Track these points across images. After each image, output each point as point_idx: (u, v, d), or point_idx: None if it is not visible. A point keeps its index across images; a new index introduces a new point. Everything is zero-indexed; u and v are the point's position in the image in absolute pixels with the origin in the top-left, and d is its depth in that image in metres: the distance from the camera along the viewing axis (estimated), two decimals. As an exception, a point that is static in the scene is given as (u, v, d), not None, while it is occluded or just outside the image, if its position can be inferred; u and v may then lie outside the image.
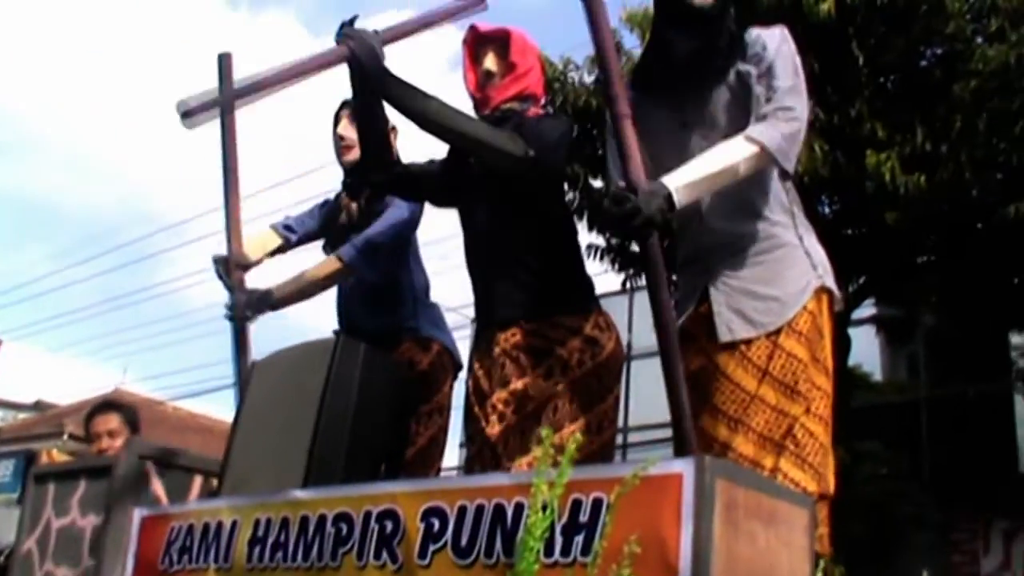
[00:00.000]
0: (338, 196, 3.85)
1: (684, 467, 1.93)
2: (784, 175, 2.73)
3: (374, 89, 2.83)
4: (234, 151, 3.39)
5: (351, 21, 2.81)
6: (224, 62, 3.29)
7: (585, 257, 10.66)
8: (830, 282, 2.80)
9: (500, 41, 3.08)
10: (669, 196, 2.43)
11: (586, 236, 12.10)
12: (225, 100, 3.07)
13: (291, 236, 3.84)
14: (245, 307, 3.40)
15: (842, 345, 11.69)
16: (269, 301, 3.48)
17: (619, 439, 18.42)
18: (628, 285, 12.75)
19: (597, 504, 1.99)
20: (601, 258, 12.20)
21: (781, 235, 2.77)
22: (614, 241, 12.13)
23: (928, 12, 10.56)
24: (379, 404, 2.88)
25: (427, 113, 2.74)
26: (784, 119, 2.64)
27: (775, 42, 2.78)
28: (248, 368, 3.20)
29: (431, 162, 3.25)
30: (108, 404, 4.80)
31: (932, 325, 14.31)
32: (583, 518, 2.01)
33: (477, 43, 3.12)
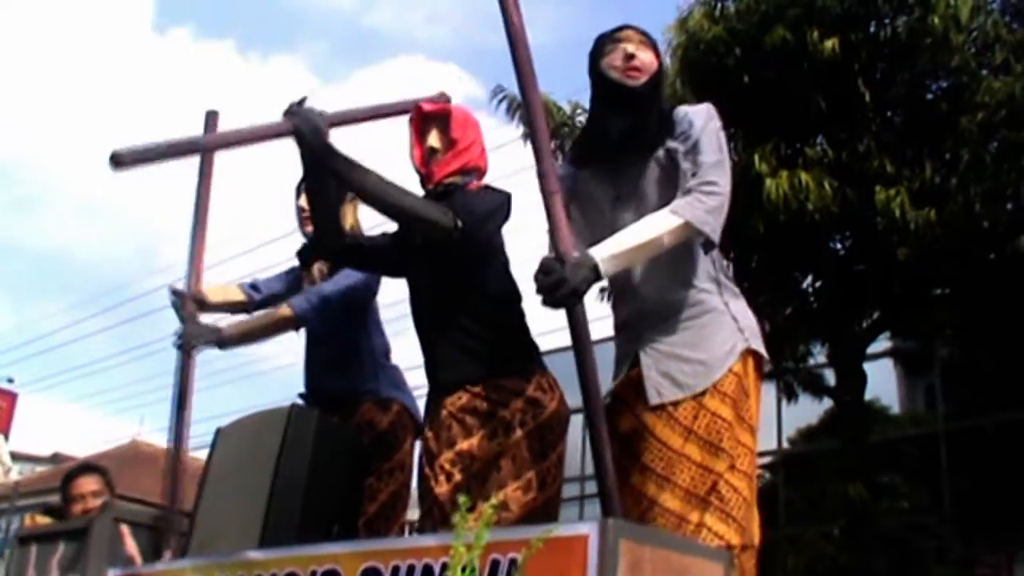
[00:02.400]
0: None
1: (590, 529, 2.04)
2: (709, 245, 2.82)
3: (318, 163, 2.99)
4: (207, 196, 3.63)
5: (300, 101, 2.98)
6: (210, 119, 3.61)
7: (597, 299, 10.73)
8: (757, 344, 2.91)
9: (442, 118, 3.24)
10: (595, 267, 2.58)
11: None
12: (205, 147, 3.44)
13: (255, 295, 3.99)
14: (193, 338, 3.55)
15: (858, 379, 11.71)
16: (218, 336, 3.65)
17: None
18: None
19: (513, 564, 2.12)
20: (609, 298, 12.27)
21: (707, 301, 2.89)
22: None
23: (932, 46, 10.66)
24: (332, 468, 3.05)
25: (365, 186, 2.93)
26: (707, 192, 2.76)
27: (701, 119, 2.91)
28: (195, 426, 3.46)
29: (384, 234, 3.40)
30: (88, 467, 5.00)
31: (949, 357, 14.28)
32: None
33: (422, 121, 3.28)
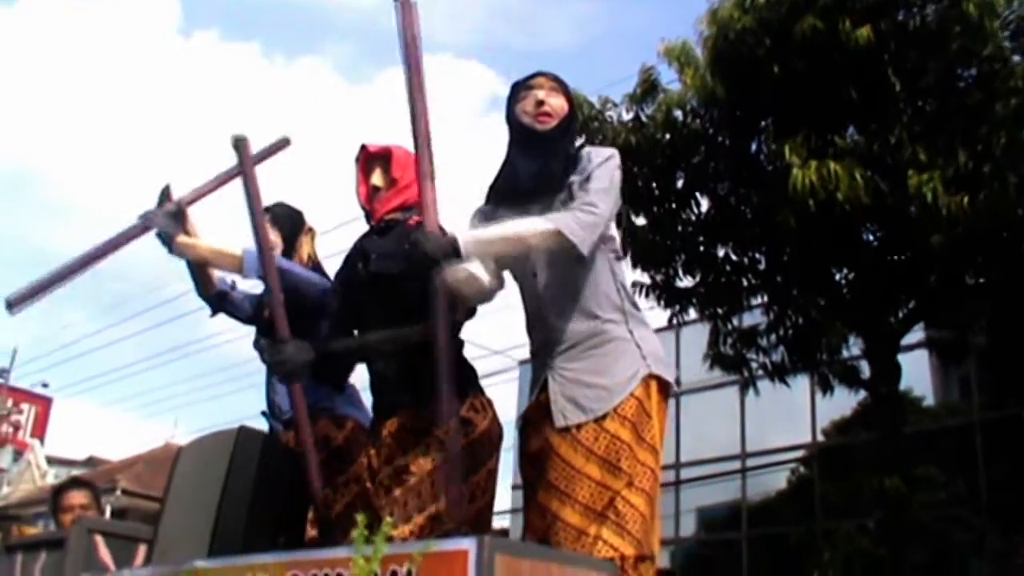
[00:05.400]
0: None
1: (469, 544, 2.30)
2: (579, 259, 3.03)
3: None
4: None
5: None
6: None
7: (634, 294, 10.80)
8: (660, 370, 3.12)
9: (384, 158, 3.47)
10: (455, 243, 2.88)
11: (631, 274, 12.21)
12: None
13: (228, 289, 4.21)
14: (152, 219, 3.71)
15: (893, 371, 11.62)
16: (175, 233, 3.75)
17: (672, 475, 18.42)
18: (675, 321, 12.79)
19: (408, 574, 2.36)
20: (647, 295, 12.29)
21: (611, 331, 3.12)
22: (659, 278, 12.22)
23: (963, 33, 10.52)
24: (277, 485, 3.36)
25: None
26: (585, 211, 3.00)
27: (601, 157, 3.15)
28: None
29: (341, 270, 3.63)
30: (76, 481, 5.55)
31: (983, 346, 14.08)
32: (401, 586, 2.42)
33: (367, 160, 3.51)
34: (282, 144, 3.74)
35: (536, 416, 3.14)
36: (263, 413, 4.09)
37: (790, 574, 13.68)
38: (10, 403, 35.18)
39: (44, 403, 37.51)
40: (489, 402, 3.32)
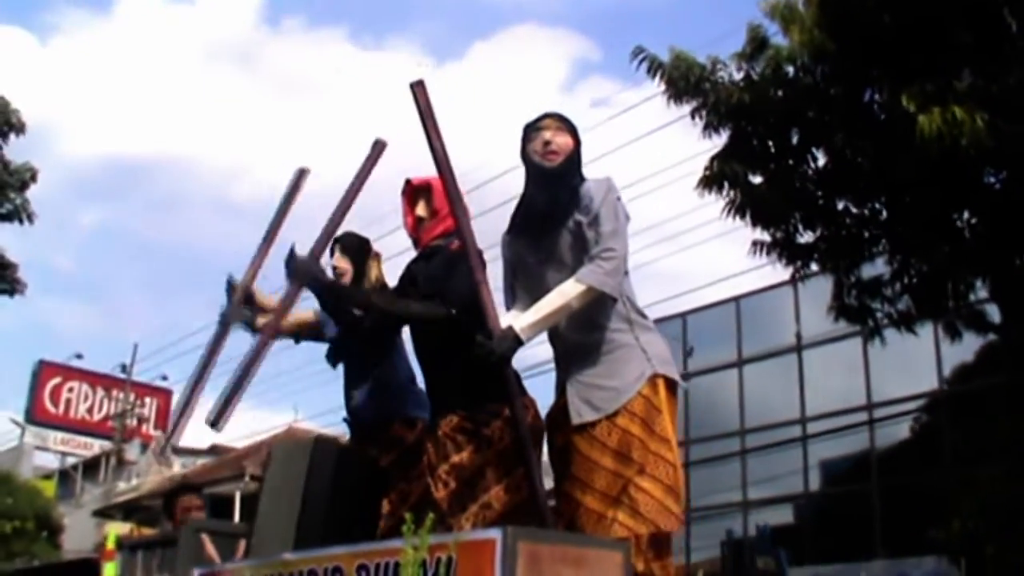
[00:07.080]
0: None
1: (496, 534, 2.81)
2: (612, 300, 3.50)
3: (328, 300, 3.93)
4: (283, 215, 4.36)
5: (290, 254, 3.82)
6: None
7: (751, 253, 10.70)
8: (665, 370, 3.53)
9: (428, 190, 3.94)
10: (517, 337, 3.38)
11: (750, 233, 12.16)
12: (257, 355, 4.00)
13: (323, 328, 4.66)
14: (232, 315, 4.32)
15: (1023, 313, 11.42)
16: (251, 318, 4.39)
17: (798, 431, 18.31)
18: (796, 276, 12.74)
19: (449, 560, 2.88)
20: (768, 253, 12.24)
21: (619, 339, 3.54)
22: (779, 235, 12.16)
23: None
24: (350, 486, 3.90)
25: (373, 306, 3.89)
26: (605, 258, 3.44)
27: (601, 193, 3.55)
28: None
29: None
30: (186, 487, 6.56)
31: None
32: (442, 570, 2.89)
33: (411, 193, 4.00)
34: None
35: (558, 417, 3.57)
36: (344, 420, 4.54)
37: (923, 524, 13.53)
38: (133, 397, 36.28)
39: (165, 396, 38.81)
40: (532, 401, 3.74)
